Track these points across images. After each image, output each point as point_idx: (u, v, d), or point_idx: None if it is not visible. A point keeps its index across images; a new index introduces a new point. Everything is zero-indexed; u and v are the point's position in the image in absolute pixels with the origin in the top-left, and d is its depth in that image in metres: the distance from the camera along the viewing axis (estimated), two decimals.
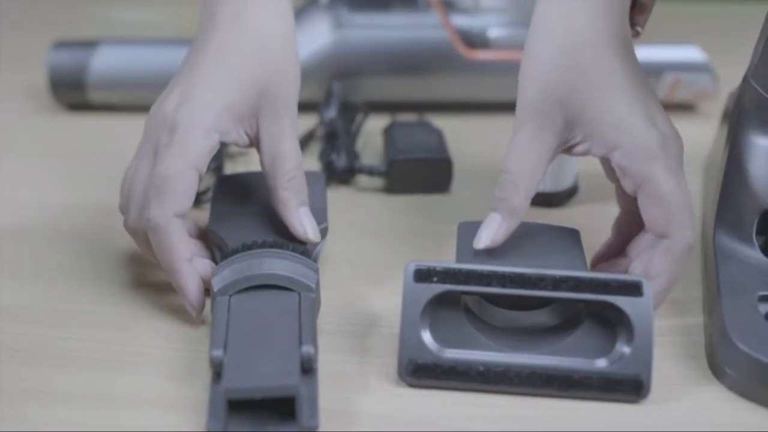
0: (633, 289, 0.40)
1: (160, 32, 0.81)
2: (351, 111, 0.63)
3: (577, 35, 0.43)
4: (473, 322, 0.42)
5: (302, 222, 0.45)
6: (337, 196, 0.58)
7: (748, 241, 0.48)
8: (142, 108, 0.67)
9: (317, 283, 0.43)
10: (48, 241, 0.53)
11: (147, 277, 0.49)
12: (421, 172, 0.57)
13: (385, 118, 0.64)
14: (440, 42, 0.64)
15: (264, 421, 0.37)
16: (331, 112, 0.60)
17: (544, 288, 0.40)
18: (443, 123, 0.63)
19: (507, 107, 0.67)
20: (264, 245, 0.43)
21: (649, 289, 0.40)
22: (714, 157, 0.57)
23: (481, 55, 0.65)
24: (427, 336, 0.40)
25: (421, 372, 0.40)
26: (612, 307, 0.40)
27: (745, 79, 0.52)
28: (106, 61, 0.66)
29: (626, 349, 0.40)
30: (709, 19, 0.90)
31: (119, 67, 0.66)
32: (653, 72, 0.67)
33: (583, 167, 0.59)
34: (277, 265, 0.42)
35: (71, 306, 0.47)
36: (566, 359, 0.40)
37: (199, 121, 0.43)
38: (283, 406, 0.36)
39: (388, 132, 0.60)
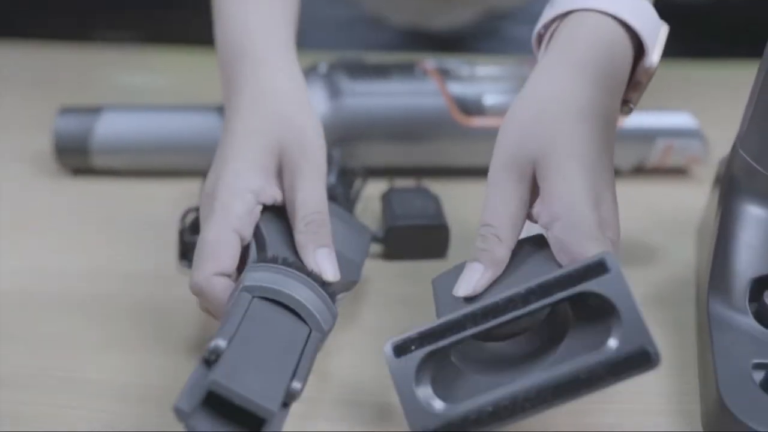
0: (598, 268, 0.39)
1: (163, 97, 0.83)
2: (350, 176, 0.64)
3: (560, 102, 0.44)
4: (467, 368, 0.42)
5: (317, 262, 0.46)
6: None
7: (742, 309, 0.48)
8: (145, 173, 0.69)
9: (329, 330, 0.44)
10: (50, 307, 0.53)
11: (151, 344, 0.50)
12: (419, 238, 0.58)
13: (383, 183, 0.65)
14: (437, 109, 0.66)
15: (224, 427, 0.37)
16: (331, 178, 0.61)
17: (516, 308, 0.40)
18: (440, 188, 0.65)
19: None
20: (302, 269, 0.45)
21: (613, 261, 0.39)
22: (706, 222, 0.58)
23: (477, 121, 0.66)
24: (427, 402, 0.40)
25: None
26: (588, 294, 0.39)
27: (734, 148, 0.53)
28: (109, 127, 0.67)
29: (619, 328, 0.38)
30: (700, 81, 0.92)
31: (122, 133, 0.67)
32: (646, 137, 0.68)
33: None
34: (307, 296, 0.43)
35: (73, 374, 0.47)
36: (567, 364, 0.39)
37: (233, 187, 0.46)
38: (248, 422, 0.37)
39: (386, 198, 0.61)
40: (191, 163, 0.67)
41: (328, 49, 0.89)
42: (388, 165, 0.68)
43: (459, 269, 0.46)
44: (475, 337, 0.42)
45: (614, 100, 0.46)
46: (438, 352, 0.41)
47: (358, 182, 0.64)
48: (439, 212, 0.59)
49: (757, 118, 0.50)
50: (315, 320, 0.43)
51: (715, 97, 0.85)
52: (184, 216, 0.58)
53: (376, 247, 0.59)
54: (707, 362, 0.46)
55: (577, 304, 0.40)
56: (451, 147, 0.67)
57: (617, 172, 0.70)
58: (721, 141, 0.62)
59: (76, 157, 0.68)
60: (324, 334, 0.43)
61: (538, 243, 0.45)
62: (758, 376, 0.44)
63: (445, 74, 0.68)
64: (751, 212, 0.50)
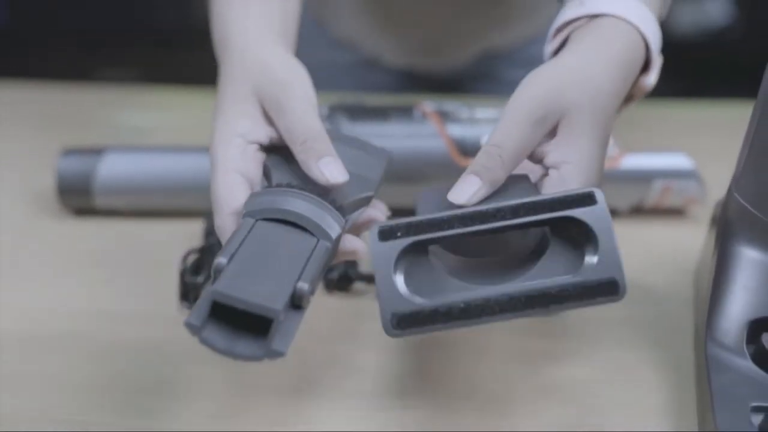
0: (586, 199, 0.42)
1: (166, 136, 0.84)
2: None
3: (598, 80, 0.48)
4: (442, 269, 0.43)
5: (321, 171, 0.46)
6: (335, 303, 0.59)
7: (739, 351, 0.49)
8: (147, 213, 0.69)
9: (338, 237, 0.44)
10: (51, 348, 0.54)
11: (153, 387, 0.50)
12: None
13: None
14: (437, 151, 0.67)
15: (237, 340, 0.38)
16: None
17: (503, 218, 0.42)
18: None
19: None
20: (305, 189, 0.45)
21: (601, 196, 0.42)
22: (704, 263, 0.58)
23: None
24: (403, 288, 0.42)
25: (405, 322, 0.41)
26: (572, 220, 0.42)
27: (729, 191, 0.53)
28: (112, 168, 0.68)
29: (594, 257, 0.41)
30: (697, 120, 0.93)
31: (124, 174, 0.68)
32: (644, 179, 0.69)
33: None
34: (308, 208, 0.44)
35: (75, 417, 0.47)
36: (542, 281, 0.41)
37: (222, 135, 0.49)
38: (262, 333, 0.38)
39: None
40: (192, 203, 0.68)
41: (328, 92, 0.90)
42: (389, 206, 0.68)
43: (443, 188, 0.47)
44: (456, 246, 0.44)
45: (620, 104, 0.50)
46: (420, 244, 0.42)
47: None
48: None
49: (751, 161, 0.50)
50: (320, 229, 0.43)
51: (712, 137, 0.86)
52: (185, 257, 0.59)
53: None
54: (706, 404, 0.46)
55: (558, 229, 0.42)
56: None
57: (615, 213, 0.71)
58: (719, 180, 0.63)
59: (78, 198, 0.68)
60: (332, 242, 0.43)
61: (522, 179, 0.48)
62: (757, 419, 0.44)
63: (444, 116, 0.69)
64: (747, 255, 0.51)
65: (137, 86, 1.02)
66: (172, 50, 2.43)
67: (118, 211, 0.69)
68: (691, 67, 2.37)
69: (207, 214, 0.65)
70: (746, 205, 0.51)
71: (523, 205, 0.42)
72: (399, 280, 0.42)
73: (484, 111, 0.70)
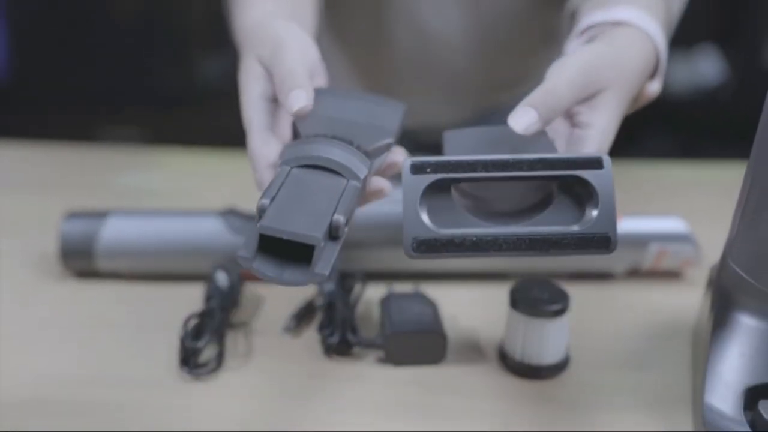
0: (595, 163, 0.47)
1: (169, 197, 0.85)
2: (349, 281, 0.65)
3: (633, 71, 0.56)
4: (461, 207, 0.49)
5: (290, 101, 0.52)
6: (335, 368, 0.59)
7: (737, 418, 0.49)
8: (149, 276, 0.70)
9: (365, 177, 0.50)
10: (53, 414, 0.54)
11: None
12: (416, 344, 0.59)
13: (382, 287, 0.66)
14: None
15: (284, 269, 0.44)
16: (330, 285, 0.63)
17: (522, 169, 0.48)
18: (438, 292, 0.66)
19: (494, 276, 0.70)
20: (334, 138, 0.51)
21: (608, 162, 0.47)
22: (700, 326, 0.59)
23: None
24: (426, 217, 0.48)
25: (423, 247, 0.47)
26: (579, 180, 0.47)
27: (723, 257, 0.54)
28: (114, 232, 0.69)
29: (594, 213, 0.47)
30: (692, 181, 0.94)
31: (127, 238, 0.69)
32: (639, 243, 0.69)
33: (575, 341, 0.61)
34: (337, 153, 0.50)
35: None
36: (545, 227, 0.47)
37: (246, 100, 0.55)
38: (305, 262, 0.43)
39: (385, 304, 0.62)
40: (194, 267, 0.69)
41: None
42: (387, 270, 0.69)
43: (471, 131, 0.56)
44: (476, 186, 0.50)
45: (637, 92, 0.58)
46: (445, 182, 0.48)
47: (357, 288, 0.66)
48: (436, 319, 0.60)
49: (743, 229, 0.51)
50: (348, 170, 0.49)
51: (707, 197, 0.87)
52: (185, 322, 0.59)
53: (376, 352, 0.60)
54: None
55: (566, 185, 0.48)
56: None
57: (612, 276, 0.72)
58: (714, 241, 0.64)
59: (80, 261, 0.69)
60: (360, 181, 0.49)
61: (542, 135, 0.53)
62: None
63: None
64: (743, 322, 0.52)
65: (141, 147, 1.03)
66: (175, 111, 2.46)
67: (120, 274, 0.70)
68: (685, 126, 2.40)
69: (208, 278, 0.66)
70: (740, 272, 0.51)
71: (541, 160, 0.48)
72: (423, 210, 0.48)
73: None
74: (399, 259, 0.69)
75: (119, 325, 0.64)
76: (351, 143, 0.51)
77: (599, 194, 0.47)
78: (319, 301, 0.63)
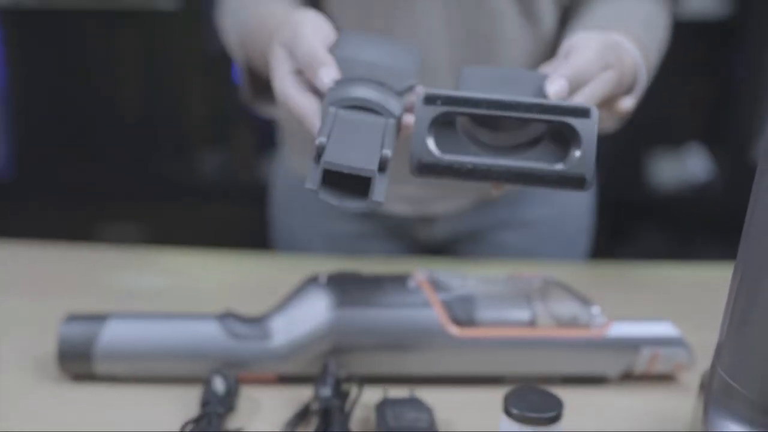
0: (584, 112, 0.55)
1: (168, 298, 0.86)
2: (345, 386, 0.66)
3: (619, 48, 0.69)
4: (464, 136, 0.57)
5: (321, 77, 0.61)
6: None
7: None
8: (147, 380, 0.70)
9: (400, 115, 0.59)
10: None
11: None
12: None
13: (378, 391, 0.66)
14: (429, 321, 0.68)
15: (344, 198, 0.53)
16: (326, 391, 0.63)
17: (519, 111, 0.55)
18: (434, 396, 0.66)
19: (491, 381, 0.70)
20: (369, 80, 0.59)
21: (595, 113, 0.55)
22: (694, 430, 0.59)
23: (469, 332, 0.69)
24: (431, 144, 0.56)
25: (426, 169, 0.56)
26: (567, 126, 0.55)
27: (713, 366, 0.55)
28: (113, 336, 0.69)
29: (576, 155, 0.55)
30: (683, 283, 0.96)
31: (126, 342, 0.69)
32: (631, 347, 0.70)
33: None
34: (374, 95, 0.58)
35: None
36: (533, 163, 0.56)
37: (280, 81, 0.65)
38: (359, 192, 0.52)
39: (380, 409, 0.62)
40: (192, 370, 0.69)
41: (327, 255, 0.93)
42: (383, 374, 0.70)
43: (485, 69, 0.66)
44: (479, 120, 0.58)
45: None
46: (454, 114, 0.56)
47: (353, 392, 0.66)
48: (431, 425, 0.60)
49: (731, 336, 0.52)
50: (386, 110, 0.58)
51: (699, 298, 0.88)
52: (183, 427, 0.60)
53: None
54: None
55: (556, 128, 0.56)
56: (443, 357, 0.69)
57: (605, 381, 0.72)
58: (707, 344, 0.64)
59: (79, 365, 0.70)
60: (396, 119, 0.58)
61: (542, 78, 0.62)
62: None
63: (436, 285, 0.71)
64: (734, 430, 0.52)
65: (140, 247, 1.05)
66: (176, 207, 2.49)
67: (117, 378, 0.70)
68: (675, 225, 2.43)
69: (206, 381, 0.66)
70: (729, 381, 0.52)
71: (537, 105, 0.55)
72: (430, 136, 0.56)
73: (476, 281, 0.73)
74: (394, 364, 0.69)
75: (115, 429, 0.64)
76: (383, 85, 0.59)
77: (583, 140, 0.55)
78: (315, 406, 0.64)
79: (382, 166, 0.52)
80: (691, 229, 2.39)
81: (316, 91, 0.63)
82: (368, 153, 0.52)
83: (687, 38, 2.33)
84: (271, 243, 1.12)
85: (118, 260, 0.99)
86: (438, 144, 0.56)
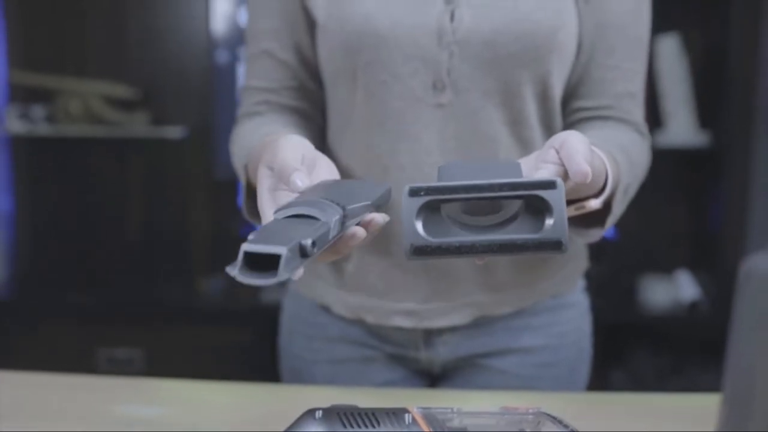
0: (550, 185, 0.63)
1: (167, 428, 0.86)
2: None
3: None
4: (448, 220, 0.65)
5: (294, 181, 0.69)
6: None
7: None
8: None
9: (335, 221, 0.64)
10: None
11: None
12: None
13: None
14: None
15: (258, 276, 0.59)
16: None
17: (493, 192, 0.63)
18: None
19: None
20: (320, 200, 0.66)
21: (561, 183, 0.63)
22: None
23: None
24: (420, 229, 0.64)
25: (419, 251, 0.64)
26: (538, 198, 0.63)
27: None
28: None
29: (550, 222, 0.63)
30: (671, 411, 0.96)
31: None
32: None
33: None
34: (312, 203, 0.64)
35: None
36: (512, 235, 0.64)
37: (261, 197, 0.74)
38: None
39: None
40: None
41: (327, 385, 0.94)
42: None
43: (459, 163, 0.74)
44: (462, 204, 0.67)
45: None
46: (437, 202, 0.64)
47: None
48: None
49: None
50: (322, 214, 0.63)
51: (683, 426, 0.89)
52: None
53: None
54: None
55: (529, 201, 0.64)
56: None
57: None
58: None
59: None
60: (330, 223, 0.63)
61: (515, 165, 0.71)
62: None
63: (431, 421, 0.73)
64: None
65: (141, 377, 1.05)
66: (176, 328, 2.48)
67: None
68: (665, 345, 2.45)
69: None
70: None
71: (507, 184, 0.63)
72: (419, 223, 0.64)
73: (471, 417, 0.75)
74: None
75: None
76: (332, 201, 0.65)
77: (553, 208, 0.63)
78: None
79: (303, 253, 0.59)
80: (682, 349, 2.41)
81: None
82: (286, 240, 0.58)
83: (674, 167, 2.42)
84: (274, 368, 1.14)
85: (119, 389, 0.99)
86: (426, 229, 0.64)
